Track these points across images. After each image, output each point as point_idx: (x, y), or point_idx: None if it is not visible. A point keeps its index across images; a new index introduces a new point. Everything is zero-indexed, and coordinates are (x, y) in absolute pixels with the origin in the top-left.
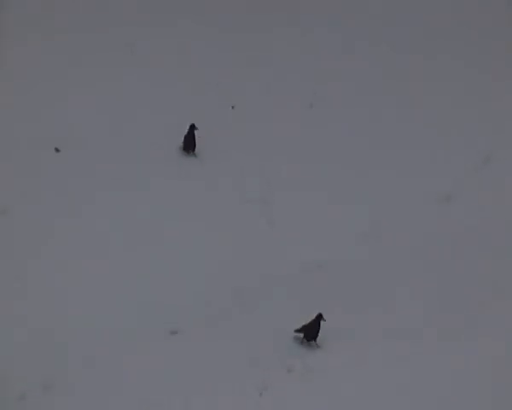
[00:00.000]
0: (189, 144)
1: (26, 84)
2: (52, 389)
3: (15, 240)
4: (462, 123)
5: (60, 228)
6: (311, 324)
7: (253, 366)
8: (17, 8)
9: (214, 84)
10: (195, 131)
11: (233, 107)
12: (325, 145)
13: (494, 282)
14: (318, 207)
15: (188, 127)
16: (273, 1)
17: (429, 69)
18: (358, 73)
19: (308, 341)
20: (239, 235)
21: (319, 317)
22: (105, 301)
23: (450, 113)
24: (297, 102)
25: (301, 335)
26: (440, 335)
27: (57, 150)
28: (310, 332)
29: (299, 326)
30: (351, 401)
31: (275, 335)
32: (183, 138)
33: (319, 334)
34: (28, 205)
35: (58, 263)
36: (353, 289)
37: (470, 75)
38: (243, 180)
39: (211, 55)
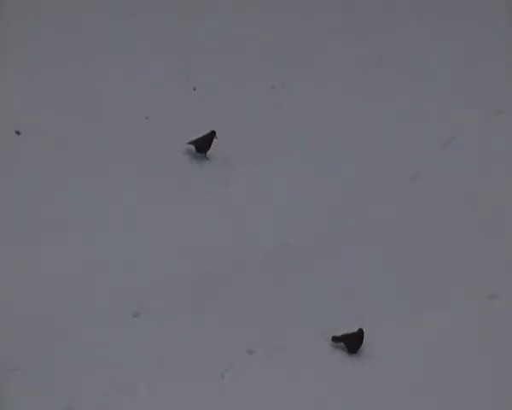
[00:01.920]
0: (203, 147)
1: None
2: (12, 375)
3: None
4: (427, 103)
5: (18, 213)
6: (354, 334)
7: (215, 349)
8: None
9: (175, 66)
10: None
11: (194, 88)
12: (287, 127)
13: (460, 259)
14: (281, 188)
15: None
16: None
17: (394, 54)
18: (323, 58)
19: (350, 353)
20: (202, 217)
21: (361, 331)
22: (66, 284)
23: (415, 93)
24: (258, 84)
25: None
26: (412, 310)
27: (18, 133)
28: (353, 343)
29: (338, 334)
30: (313, 382)
31: (237, 318)
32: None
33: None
34: None
35: (16, 249)
36: (320, 268)
37: (436, 60)
38: (205, 163)
39: (170, 39)
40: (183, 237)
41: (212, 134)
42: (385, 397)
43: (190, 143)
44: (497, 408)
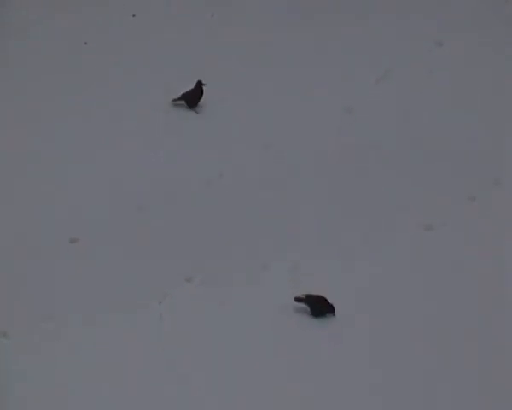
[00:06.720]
0: (194, 99)
1: None
2: None
3: None
4: (363, 37)
5: None
6: (318, 297)
7: (152, 277)
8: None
9: None
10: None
11: (134, 15)
12: (226, 63)
13: (395, 192)
14: (218, 122)
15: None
16: None
17: None
18: None
19: (316, 316)
20: (139, 141)
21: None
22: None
23: (351, 28)
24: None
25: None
26: (349, 243)
27: None
28: (317, 306)
29: (300, 294)
30: (251, 309)
31: (175, 246)
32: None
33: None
34: None
35: None
36: (255, 198)
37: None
38: (146, 96)
39: None
40: (121, 167)
41: (199, 85)
42: (326, 333)
43: (178, 98)
44: (435, 343)
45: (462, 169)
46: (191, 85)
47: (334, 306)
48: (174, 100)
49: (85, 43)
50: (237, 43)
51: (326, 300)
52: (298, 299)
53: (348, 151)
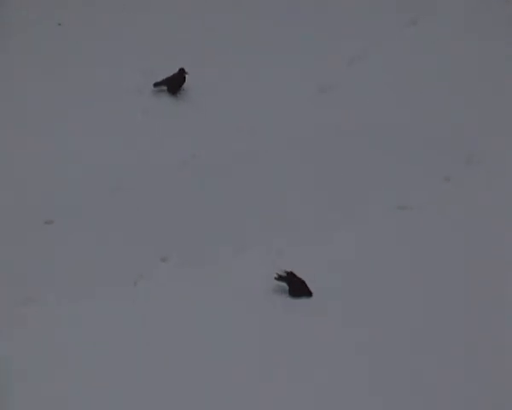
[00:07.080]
0: (175, 85)
1: None
2: None
3: None
4: (336, 18)
5: None
6: (299, 279)
7: (128, 256)
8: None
9: None
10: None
11: None
12: (207, 47)
13: (369, 173)
14: (199, 106)
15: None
16: None
17: None
18: None
19: (294, 297)
20: (116, 124)
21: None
22: None
23: (324, 8)
24: None
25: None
26: (325, 225)
27: None
28: (296, 287)
29: (281, 272)
30: (227, 289)
31: (148, 226)
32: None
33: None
34: None
35: None
36: (233, 178)
37: None
38: (123, 71)
39: None
40: (97, 149)
41: (182, 72)
42: (301, 304)
43: (160, 83)
44: (416, 317)
45: (436, 149)
46: (172, 68)
47: (312, 284)
48: (156, 84)
49: (59, 24)
50: (218, 27)
51: (306, 285)
52: (278, 277)
53: (323, 132)
